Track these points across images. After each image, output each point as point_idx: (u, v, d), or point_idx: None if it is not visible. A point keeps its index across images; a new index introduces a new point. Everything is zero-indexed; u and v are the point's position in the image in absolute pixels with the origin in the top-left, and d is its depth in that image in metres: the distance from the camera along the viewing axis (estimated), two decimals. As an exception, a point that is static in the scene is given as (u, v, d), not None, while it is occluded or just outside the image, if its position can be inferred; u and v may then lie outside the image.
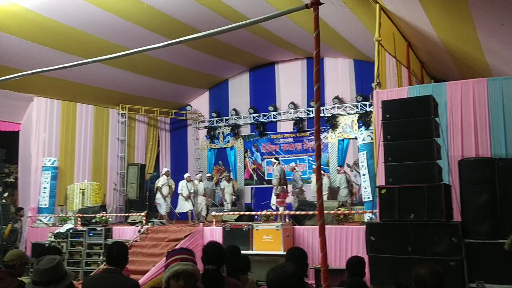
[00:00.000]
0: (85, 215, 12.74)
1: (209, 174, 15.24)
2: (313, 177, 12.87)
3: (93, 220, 12.39)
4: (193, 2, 10.96)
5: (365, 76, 14.22)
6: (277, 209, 11.72)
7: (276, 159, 12.73)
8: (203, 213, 12.99)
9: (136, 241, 11.19)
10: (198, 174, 15.03)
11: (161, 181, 13.57)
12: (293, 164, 13.85)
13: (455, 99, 7.74)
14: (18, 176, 14.56)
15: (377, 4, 8.82)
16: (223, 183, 15.45)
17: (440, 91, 7.80)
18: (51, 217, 13.59)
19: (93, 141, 15.46)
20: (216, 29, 6.32)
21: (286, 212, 11.01)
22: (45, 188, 13.68)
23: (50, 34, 11.27)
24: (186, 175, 13.67)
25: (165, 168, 14.37)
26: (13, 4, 9.96)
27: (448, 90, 7.84)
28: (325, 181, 13.36)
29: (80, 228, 12.10)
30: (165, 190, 13.38)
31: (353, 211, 11.50)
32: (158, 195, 13.46)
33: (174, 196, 13.70)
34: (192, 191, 13.45)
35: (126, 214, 13.62)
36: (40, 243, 11.79)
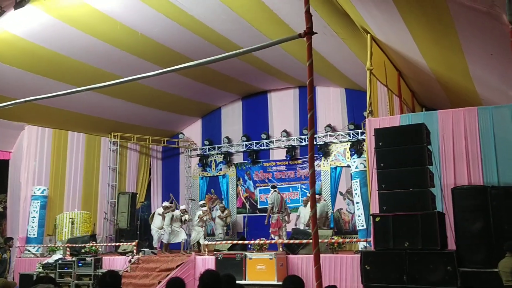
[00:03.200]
0: (74, 245, 12.52)
1: (202, 202, 15.06)
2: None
3: (83, 250, 12.18)
4: (186, 31, 11.08)
5: (356, 105, 14.32)
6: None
7: (273, 187, 12.66)
8: (202, 241, 12.79)
9: (126, 271, 10.99)
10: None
11: (157, 211, 13.30)
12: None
13: (446, 127, 7.81)
14: (7, 205, 14.33)
15: (368, 34, 8.98)
16: (218, 213, 15.24)
17: (431, 119, 7.87)
18: (39, 247, 13.32)
19: (84, 169, 15.30)
20: (209, 58, 6.40)
21: (280, 241, 10.89)
22: (34, 217, 13.46)
23: (43, 62, 11.30)
24: (182, 207, 13.52)
25: (165, 202, 13.79)
26: (4, 32, 9.99)
27: (439, 118, 7.92)
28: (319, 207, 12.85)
29: (69, 258, 11.87)
30: (158, 221, 13.09)
31: (347, 240, 11.38)
32: (152, 225, 13.21)
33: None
34: (186, 221, 13.29)
35: (117, 244, 13.39)
36: (28, 274, 11.53)
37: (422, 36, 7.90)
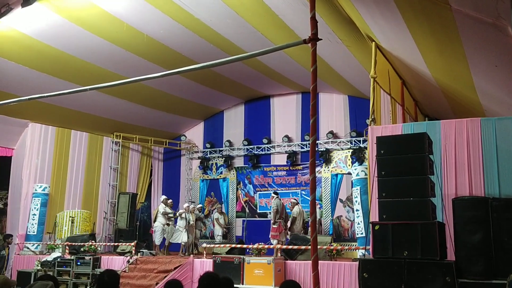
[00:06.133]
0: (73, 243, 12.53)
1: (200, 205, 15.12)
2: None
3: (82, 249, 12.19)
4: (191, 34, 11.12)
5: (359, 112, 14.35)
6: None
7: (275, 193, 12.70)
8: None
9: (124, 271, 10.98)
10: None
11: (160, 209, 13.37)
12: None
13: (449, 138, 7.80)
14: (8, 202, 14.35)
15: (373, 42, 9.00)
16: (216, 215, 15.28)
17: (434, 129, 7.86)
18: (38, 245, 13.34)
19: (86, 168, 15.33)
20: (214, 61, 6.43)
21: (278, 246, 10.87)
22: (34, 215, 13.47)
23: (48, 61, 11.34)
24: (185, 205, 13.52)
25: (163, 196, 14.14)
26: (11, 29, 10.04)
27: (442, 128, 7.90)
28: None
29: (67, 256, 11.88)
30: (162, 219, 13.15)
31: (346, 247, 11.37)
32: (157, 223, 13.23)
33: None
34: (191, 222, 13.25)
35: (116, 244, 13.41)
36: (26, 271, 11.55)
37: (427, 46, 7.91)
